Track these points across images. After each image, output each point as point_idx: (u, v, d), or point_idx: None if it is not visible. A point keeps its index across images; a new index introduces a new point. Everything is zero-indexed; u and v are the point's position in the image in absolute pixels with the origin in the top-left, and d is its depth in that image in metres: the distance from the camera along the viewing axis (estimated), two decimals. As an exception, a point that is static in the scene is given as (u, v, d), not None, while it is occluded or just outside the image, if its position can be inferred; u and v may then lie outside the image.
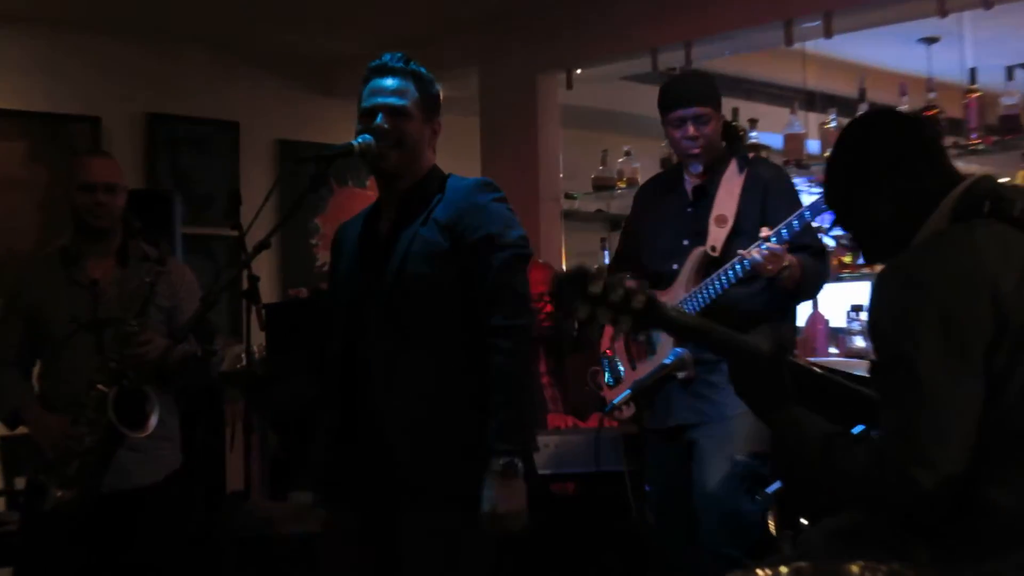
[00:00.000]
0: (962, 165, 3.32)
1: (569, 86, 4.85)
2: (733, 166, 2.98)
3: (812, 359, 3.73)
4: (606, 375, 3.14)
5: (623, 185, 4.86)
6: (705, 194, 2.98)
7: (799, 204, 2.89)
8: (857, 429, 1.74)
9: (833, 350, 4.09)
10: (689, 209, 3.01)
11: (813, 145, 4.45)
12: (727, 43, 4.46)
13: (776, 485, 2.55)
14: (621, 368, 3.11)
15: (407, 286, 2.22)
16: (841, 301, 4.15)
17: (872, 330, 1.68)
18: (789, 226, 2.74)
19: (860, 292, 4.11)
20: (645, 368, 2.96)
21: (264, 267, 4.99)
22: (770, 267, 2.74)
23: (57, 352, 2.91)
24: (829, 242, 3.72)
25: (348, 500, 2.29)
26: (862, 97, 4.18)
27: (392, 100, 2.25)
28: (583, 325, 1.73)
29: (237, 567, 3.66)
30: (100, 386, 2.74)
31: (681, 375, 2.83)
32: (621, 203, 4.89)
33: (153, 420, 2.78)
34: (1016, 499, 1.56)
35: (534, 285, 2.54)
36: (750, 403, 1.78)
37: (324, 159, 2.27)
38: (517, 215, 2.31)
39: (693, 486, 2.89)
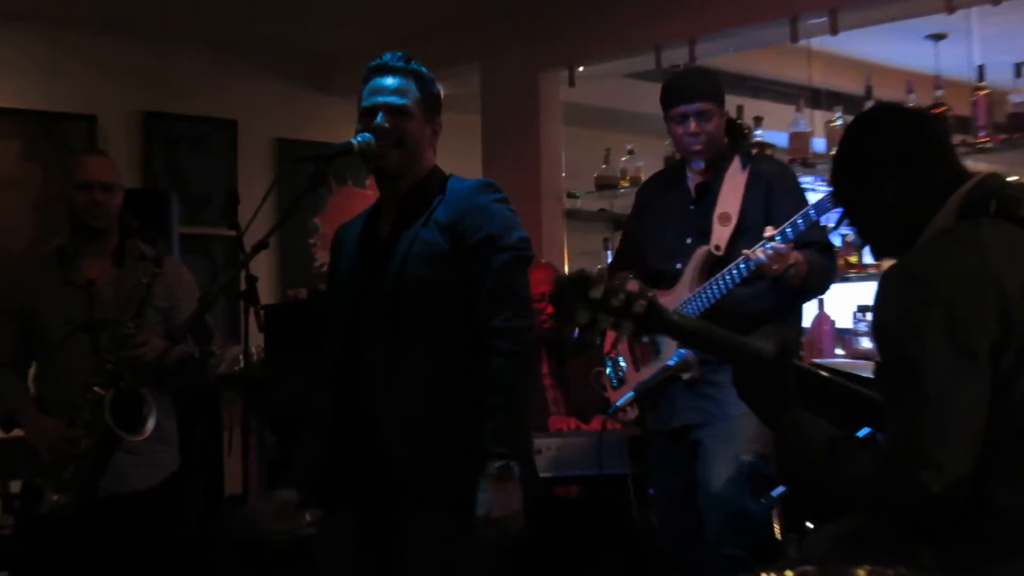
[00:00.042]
0: (970, 163, 3.27)
1: (571, 83, 4.83)
2: (736, 163, 2.97)
3: (818, 360, 3.72)
4: (610, 376, 3.12)
5: (626, 184, 4.84)
6: (708, 191, 2.98)
7: (804, 201, 2.88)
8: (863, 432, 1.73)
9: (839, 351, 4.08)
10: (692, 207, 3.00)
11: (819, 143, 4.43)
12: (731, 40, 4.44)
13: (780, 489, 2.54)
14: (625, 369, 3.09)
15: (407, 288, 2.22)
16: (847, 301, 4.13)
17: (876, 330, 1.67)
18: (794, 225, 2.73)
19: (866, 292, 4.07)
20: (649, 370, 2.96)
21: (262, 267, 4.98)
22: (775, 267, 2.73)
23: (52, 353, 2.90)
24: (835, 240, 3.70)
25: (346, 501, 2.28)
26: (868, 95, 4.15)
27: (393, 99, 2.25)
28: (583, 330, 1.72)
29: (235, 570, 3.65)
30: (97, 388, 2.73)
31: (686, 376, 2.82)
32: (624, 202, 4.85)
33: (150, 423, 2.78)
34: (1023, 501, 1.55)
35: (536, 285, 2.53)
36: (753, 407, 1.78)
37: (323, 158, 2.26)
38: (518, 214, 2.30)
39: (698, 486, 2.88)
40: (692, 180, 3.02)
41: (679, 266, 2.94)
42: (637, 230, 3.16)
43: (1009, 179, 1.76)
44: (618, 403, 2.83)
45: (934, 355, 1.55)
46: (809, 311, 3.80)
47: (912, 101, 3.89)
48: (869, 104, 4.11)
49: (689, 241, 2.94)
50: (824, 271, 2.88)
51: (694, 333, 1.81)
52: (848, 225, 1.87)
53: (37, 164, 4.85)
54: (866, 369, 2.36)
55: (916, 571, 1.56)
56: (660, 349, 2.97)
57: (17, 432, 2.93)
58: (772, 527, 2.63)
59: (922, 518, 1.58)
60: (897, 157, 1.76)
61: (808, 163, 4.16)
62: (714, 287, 2.84)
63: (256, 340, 4.32)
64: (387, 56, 2.29)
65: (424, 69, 2.31)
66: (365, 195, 5.28)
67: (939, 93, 3.91)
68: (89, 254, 2.95)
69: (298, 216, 5.26)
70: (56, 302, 2.89)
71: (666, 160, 4.51)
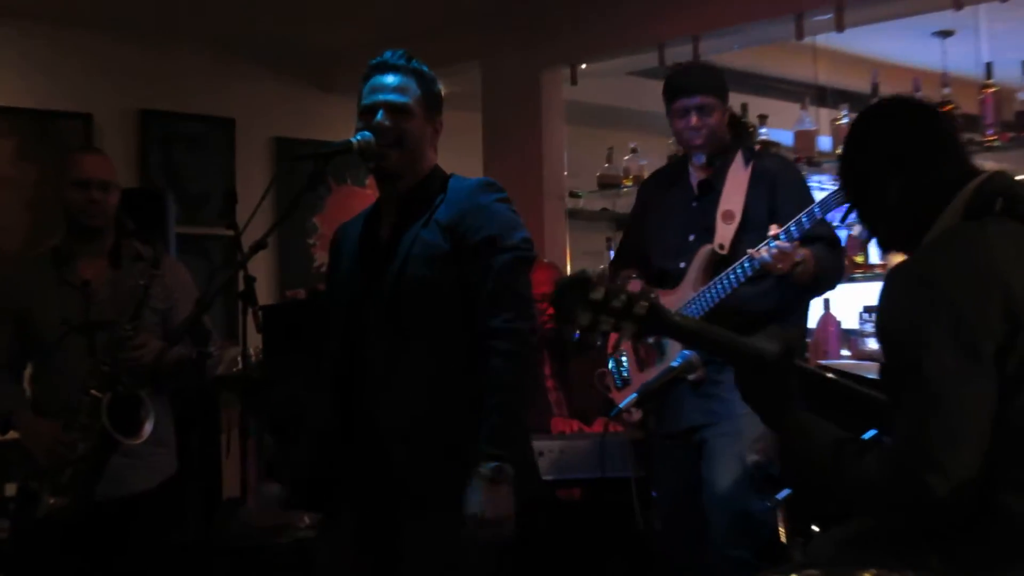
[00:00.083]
0: (978, 162, 3.26)
1: (574, 82, 4.81)
2: (739, 159, 2.96)
3: (823, 362, 3.70)
4: (614, 377, 3.10)
5: (629, 183, 4.84)
6: (711, 188, 2.96)
7: (809, 197, 2.86)
8: (868, 434, 1.72)
9: (845, 352, 4.08)
10: (694, 203, 2.99)
11: (824, 142, 4.42)
12: (736, 37, 4.43)
13: (786, 492, 2.52)
14: (629, 370, 3.07)
15: (407, 288, 2.21)
16: (853, 302, 4.12)
17: (881, 331, 1.66)
18: (799, 223, 2.72)
19: (873, 293, 4.03)
20: (653, 371, 2.96)
21: (261, 268, 4.97)
22: (780, 266, 2.71)
23: (48, 355, 2.88)
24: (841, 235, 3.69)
25: (346, 502, 2.28)
26: (875, 92, 4.15)
27: (393, 97, 2.24)
28: (584, 332, 1.70)
29: (233, 574, 3.63)
30: (93, 391, 2.72)
31: (691, 377, 2.78)
32: (627, 201, 4.83)
33: (148, 426, 2.76)
34: (1029, 504, 1.54)
35: (538, 285, 2.51)
36: (756, 408, 1.78)
37: (322, 157, 2.25)
38: (520, 214, 2.30)
39: (703, 486, 2.87)
40: (694, 176, 3.01)
41: (683, 265, 2.92)
42: (639, 228, 3.14)
43: (1017, 177, 1.75)
44: (621, 404, 2.81)
45: (939, 356, 1.54)
46: (815, 312, 3.78)
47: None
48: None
49: (692, 238, 2.93)
50: (833, 267, 2.86)
51: (696, 334, 1.81)
52: (855, 218, 1.87)
53: (32, 163, 4.84)
54: (872, 371, 2.34)
55: (922, 575, 1.55)
56: (664, 350, 2.96)
57: (12, 435, 2.91)
58: (777, 530, 2.61)
59: (928, 522, 1.57)
60: (905, 150, 1.75)
61: (814, 162, 4.14)
62: (719, 286, 2.83)
63: (254, 341, 4.32)
64: (388, 54, 2.28)
65: (425, 67, 2.30)
66: (365, 195, 5.28)
67: (946, 91, 3.90)
68: (85, 254, 2.93)
69: (297, 216, 5.24)
70: (52, 303, 2.87)
71: (670, 159, 4.48)
